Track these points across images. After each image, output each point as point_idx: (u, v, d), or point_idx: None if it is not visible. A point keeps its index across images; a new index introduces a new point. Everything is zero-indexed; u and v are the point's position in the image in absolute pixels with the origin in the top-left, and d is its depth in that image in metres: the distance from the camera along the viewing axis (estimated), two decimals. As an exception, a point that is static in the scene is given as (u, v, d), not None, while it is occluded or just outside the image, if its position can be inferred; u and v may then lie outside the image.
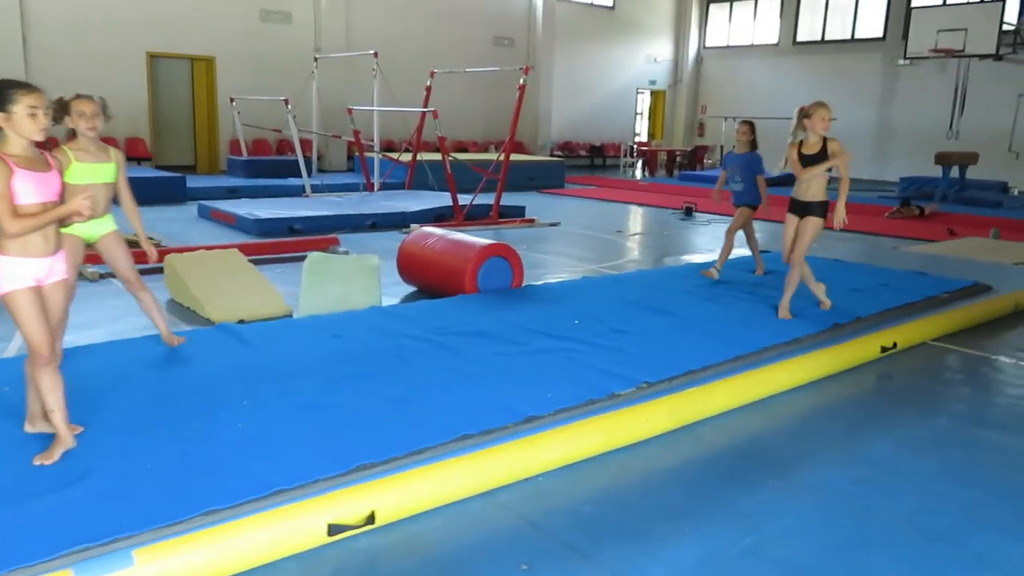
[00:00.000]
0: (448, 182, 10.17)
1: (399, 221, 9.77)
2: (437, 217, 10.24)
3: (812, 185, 4.89)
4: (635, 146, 22.52)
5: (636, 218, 11.98)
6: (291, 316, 5.36)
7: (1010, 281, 6.55)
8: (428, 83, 12.01)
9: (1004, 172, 16.46)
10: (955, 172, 14.68)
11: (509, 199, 11.29)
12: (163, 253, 6.37)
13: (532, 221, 10.71)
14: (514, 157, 16.30)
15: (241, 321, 5.24)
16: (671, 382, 3.74)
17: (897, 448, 3.48)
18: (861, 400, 4.18)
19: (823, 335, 4.64)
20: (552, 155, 20.95)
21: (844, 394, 4.23)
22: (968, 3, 16.87)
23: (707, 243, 9.73)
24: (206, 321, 5.29)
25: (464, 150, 19.38)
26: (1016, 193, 15.13)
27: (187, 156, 16.55)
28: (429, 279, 6.05)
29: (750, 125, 6.26)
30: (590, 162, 22.56)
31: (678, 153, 21.69)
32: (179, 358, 3.84)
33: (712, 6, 24.20)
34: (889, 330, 4.96)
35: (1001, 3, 16.16)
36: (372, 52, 12.92)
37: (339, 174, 16.03)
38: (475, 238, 5.95)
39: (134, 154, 15.20)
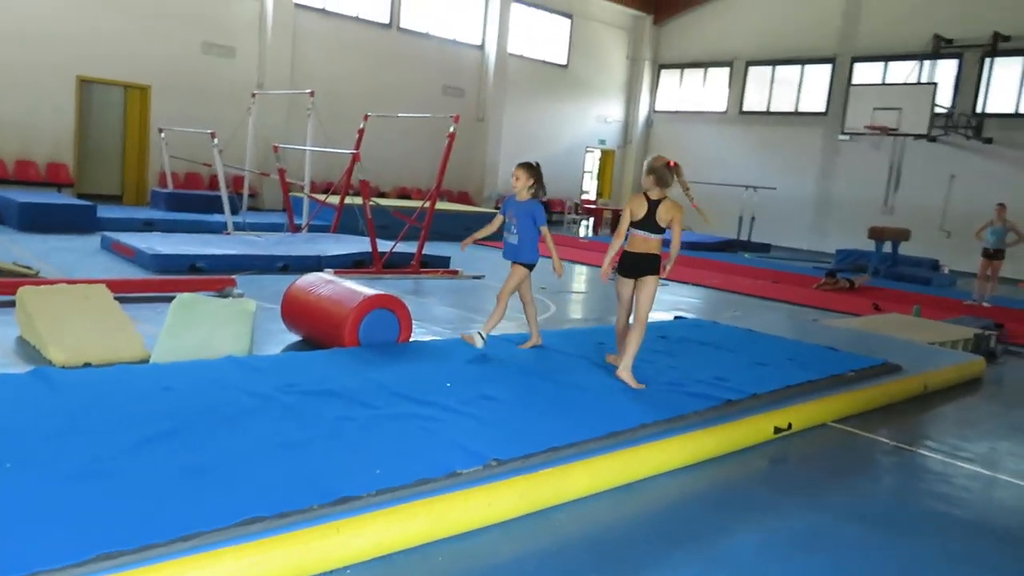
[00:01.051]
0: (368, 227, 9.79)
1: (313, 264, 9.32)
2: (356, 263, 9.84)
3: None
4: (580, 203, 22.47)
5: (569, 276, 11.71)
6: (146, 361, 4.88)
7: (922, 361, 6.35)
8: (361, 126, 11.72)
9: (935, 250, 16.70)
10: (888, 247, 14.81)
11: (439, 249, 10.94)
12: (18, 284, 5.86)
13: (455, 273, 10.35)
14: (452, 207, 16.09)
15: (87, 364, 4.75)
16: (527, 460, 3.36)
17: (763, 550, 3.13)
18: (742, 487, 3.83)
19: (710, 412, 4.32)
20: (496, 207, 20.77)
21: (725, 480, 3.89)
22: (903, 84, 17.31)
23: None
24: (48, 363, 4.78)
25: (408, 197, 19.10)
26: (946, 271, 15.30)
27: (115, 186, 15.95)
28: (310, 329, 5.62)
29: (529, 167, 5.25)
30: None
31: (623, 212, 21.67)
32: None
33: (663, 71, 24.58)
34: (785, 409, 4.66)
35: (933, 86, 16.61)
36: (308, 91, 12.63)
37: (272, 213, 15.57)
38: (364, 288, 5.55)
39: (54, 180, 14.57)
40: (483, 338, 5.14)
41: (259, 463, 2.98)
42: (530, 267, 5.34)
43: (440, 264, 10.49)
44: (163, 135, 13.92)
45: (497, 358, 5.06)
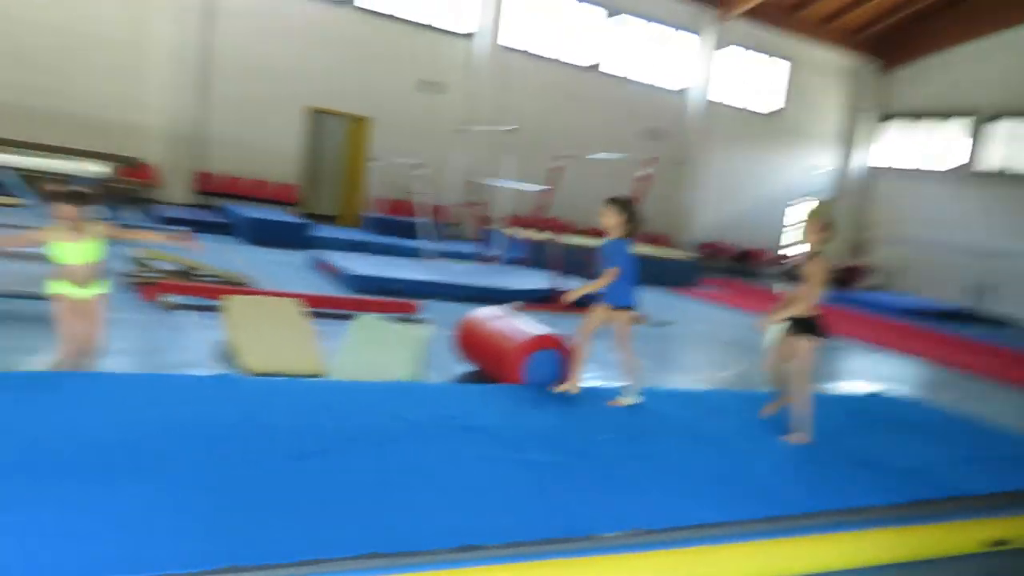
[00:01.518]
0: (554, 263, 9.81)
1: (499, 296, 9.46)
2: (542, 298, 9.87)
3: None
4: (781, 255, 21.30)
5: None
6: (321, 376, 5.10)
7: None
8: (556, 163, 11.85)
9: None
10: None
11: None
12: (235, 292, 6.39)
13: (642, 318, 10.08)
14: (647, 251, 15.80)
15: (271, 373, 5.05)
16: (672, 533, 3.08)
17: None
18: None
19: (903, 509, 3.76)
20: (696, 254, 20.22)
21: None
22: None
23: (845, 369, 8.67)
24: (240, 368, 5.13)
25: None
26: None
27: (333, 207, 17.26)
28: (481, 361, 5.64)
29: (615, 204, 4.74)
30: (735, 267, 21.55)
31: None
32: (154, 400, 3.62)
33: (888, 121, 22.86)
34: (1002, 519, 3.96)
35: None
36: (509, 128, 12.99)
37: (469, 243, 16.12)
38: (535, 326, 5.49)
39: (283, 199, 16.04)
40: (575, 387, 4.94)
41: (390, 494, 2.94)
42: (622, 309, 4.85)
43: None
44: (375, 164, 14.88)
45: (661, 413, 4.78)
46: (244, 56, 15.40)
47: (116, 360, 4.83)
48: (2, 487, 2.56)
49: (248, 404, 3.77)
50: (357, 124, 16.92)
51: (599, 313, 4.89)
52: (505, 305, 5.11)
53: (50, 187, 3.85)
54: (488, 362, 5.42)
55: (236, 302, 5.81)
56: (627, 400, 4.88)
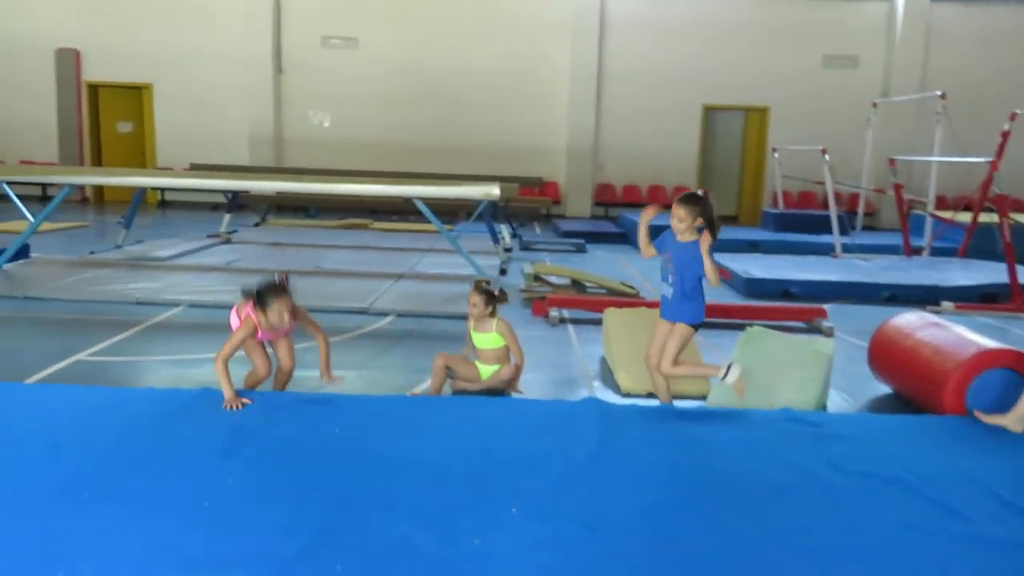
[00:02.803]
0: (1006, 252, 7.83)
1: (927, 296, 7.85)
2: (986, 296, 7.97)
3: None
4: None
5: None
6: (704, 397, 4.50)
7: None
8: (1006, 127, 9.55)
9: None
10: None
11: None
12: (619, 304, 6.11)
13: None
14: None
15: (648, 395, 4.60)
16: None
17: None
18: None
19: None
20: None
21: None
22: None
23: None
24: (616, 387, 4.77)
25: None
26: None
27: (731, 207, 16.48)
28: (902, 382, 4.50)
29: (692, 201, 3.84)
30: None
31: None
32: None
33: None
34: None
35: None
36: (939, 94, 10.91)
37: (888, 233, 14.03)
38: (981, 337, 4.20)
39: (667, 202, 15.72)
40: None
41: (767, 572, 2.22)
42: (695, 328, 4.02)
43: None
44: (776, 155, 13.75)
45: None
46: (635, 64, 15.48)
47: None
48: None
49: (604, 433, 3.33)
50: (754, 115, 15.91)
51: (673, 328, 4.01)
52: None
53: (478, 284, 4.32)
54: (914, 384, 4.28)
55: (614, 315, 5.50)
56: None
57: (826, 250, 11.15)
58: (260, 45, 15.13)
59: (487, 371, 4.32)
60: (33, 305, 6.36)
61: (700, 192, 4.07)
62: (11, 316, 6.06)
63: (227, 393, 3.52)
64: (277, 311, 3.64)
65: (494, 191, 7.39)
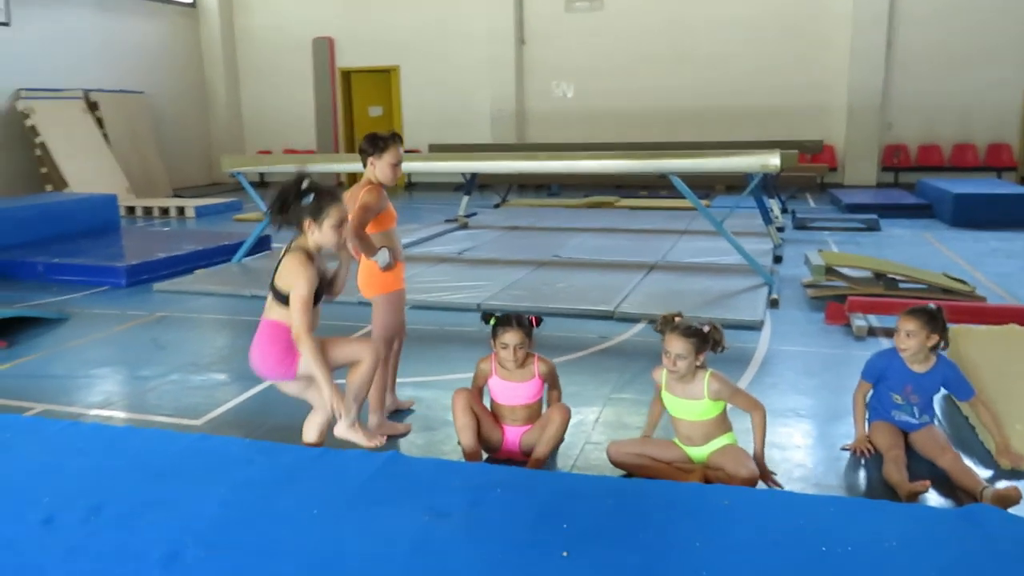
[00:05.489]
0: None
1: None
2: None
3: None
4: None
5: None
6: None
7: None
8: None
9: None
10: None
11: None
12: (957, 310, 4.36)
13: None
14: None
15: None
16: None
17: None
18: None
19: None
20: None
21: None
22: None
23: None
24: (985, 454, 3.15)
25: None
26: None
27: (1065, 168, 13.11)
28: None
29: (928, 316, 3.03)
30: None
31: None
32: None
33: None
34: None
35: None
36: None
37: None
38: None
39: (993, 163, 12.77)
40: None
41: None
42: None
43: None
44: None
45: None
46: (937, 2, 12.71)
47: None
48: None
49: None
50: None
51: None
52: None
53: (667, 321, 2.95)
54: None
55: (966, 334, 3.80)
56: None
57: None
58: (502, 17, 14.43)
59: (699, 453, 2.92)
60: (257, 305, 5.93)
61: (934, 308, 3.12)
62: (232, 319, 5.66)
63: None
64: (336, 220, 2.76)
65: (772, 160, 5.83)
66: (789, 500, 2.49)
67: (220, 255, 7.54)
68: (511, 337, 3.04)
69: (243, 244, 7.46)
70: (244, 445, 2.88)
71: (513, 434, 3.15)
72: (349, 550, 2.17)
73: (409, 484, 2.56)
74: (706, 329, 2.87)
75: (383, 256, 3.23)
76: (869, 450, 3.18)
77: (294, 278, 2.74)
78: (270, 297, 2.88)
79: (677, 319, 2.92)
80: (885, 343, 4.71)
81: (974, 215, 9.17)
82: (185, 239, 8.25)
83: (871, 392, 3.24)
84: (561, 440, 3.17)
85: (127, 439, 3.00)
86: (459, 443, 3.12)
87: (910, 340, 3.05)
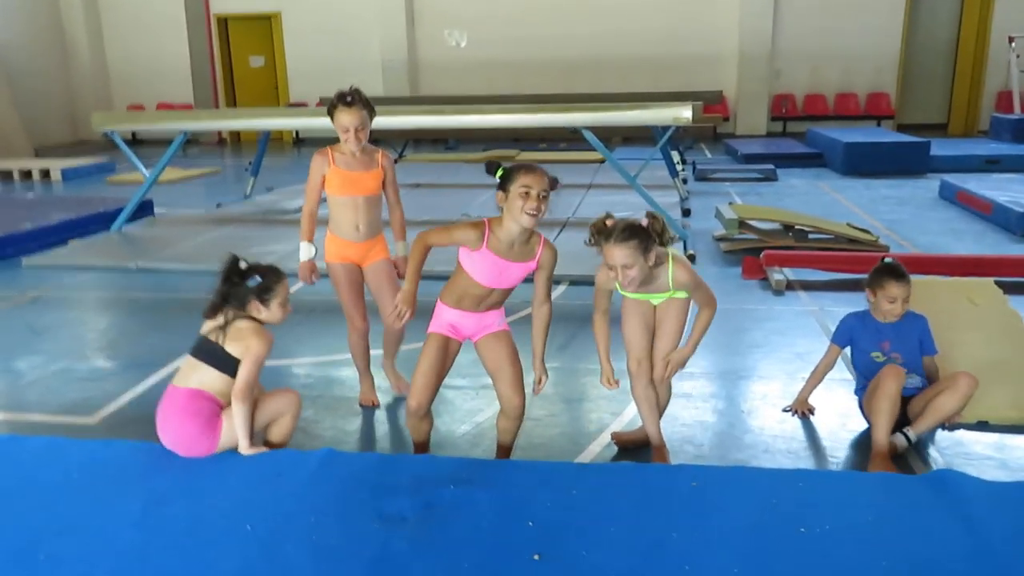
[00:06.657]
0: None
1: None
2: None
3: None
4: None
5: None
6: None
7: None
8: None
9: None
10: None
11: None
12: (852, 258, 4.42)
13: None
14: None
15: (982, 423, 3.02)
16: None
17: None
18: None
19: None
20: None
21: None
22: None
23: None
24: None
25: None
26: None
27: (937, 113, 13.81)
28: None
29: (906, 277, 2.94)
30: None
31: None
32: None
33: None
34: None
35: None
36: None
37: None
38: None
39: (873, 112, 13.29)
40: None
41: None
42: None
43: None
44: (1013, 45, 11.06)
45: None
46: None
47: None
48: None
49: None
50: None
51: None
52: None
53: (599, 230, 2.50)
54: None
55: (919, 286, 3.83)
56: None
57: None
58: (389, -40, 13.76)
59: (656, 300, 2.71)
60: (145, 279, 5.43)
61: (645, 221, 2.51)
62: (117, 296, 5.14)
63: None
64: (280, 300, 2.62)
65: (684, 113, 5.74)
66: (756, 477, 2.40)
67: (96, 223, 6.86)
68: (535, 181, 2.37)
69: (123, 210, 6.81)
70: (154, 451, 2.54)
71: (471, 320, 2.73)
72: (298, 575, 1.92)
73: (351, 487, 2.32)
74: (645, 222, 2.47)
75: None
76: (809, 411, 3.16)
77: (254, 338, 2.52)
78: (190, 362, 2.54)
79: (609, 222, 2.47)
80: (803, 296, 4.75)
81: (863, 163, 9.51)
82: (54, 206, 7.45)
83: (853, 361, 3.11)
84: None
85: (8, 451, 2.60)
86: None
87: (895, 305, 2.92)
